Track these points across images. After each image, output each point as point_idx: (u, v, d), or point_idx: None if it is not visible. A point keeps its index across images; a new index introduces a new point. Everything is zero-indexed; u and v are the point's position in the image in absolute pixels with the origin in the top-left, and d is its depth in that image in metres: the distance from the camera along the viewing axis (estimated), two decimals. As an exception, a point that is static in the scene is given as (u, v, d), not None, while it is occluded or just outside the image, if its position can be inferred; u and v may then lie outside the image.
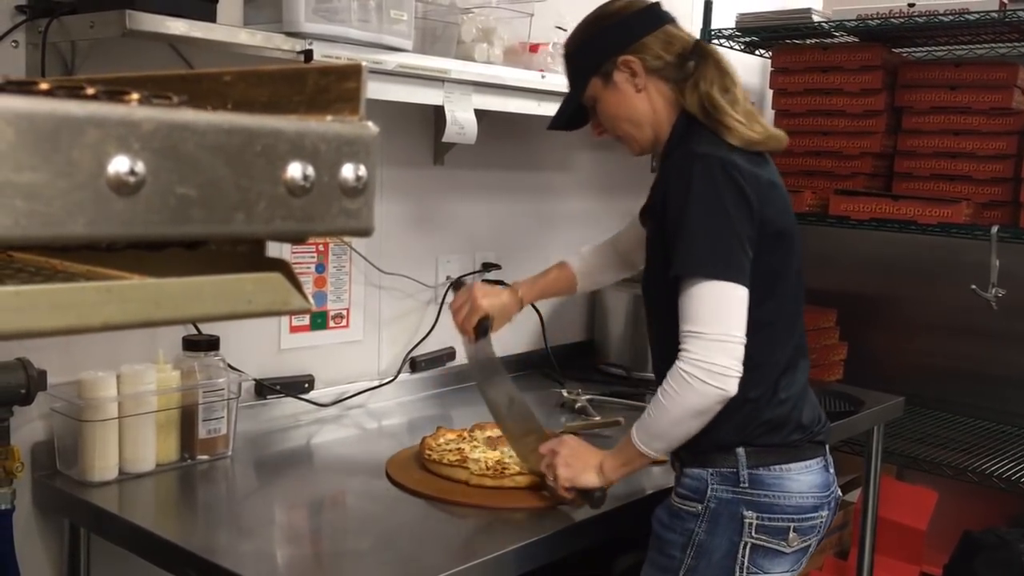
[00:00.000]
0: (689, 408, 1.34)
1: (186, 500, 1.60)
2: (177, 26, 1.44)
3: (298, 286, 0.39)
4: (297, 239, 0.38)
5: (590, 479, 1.45)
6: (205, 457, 1.68)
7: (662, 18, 1.51)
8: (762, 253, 1.39)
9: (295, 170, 0.36)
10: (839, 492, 1.55)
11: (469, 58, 1.98)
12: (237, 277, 0.36)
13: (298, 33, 1.59)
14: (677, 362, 1.34)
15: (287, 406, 1.95)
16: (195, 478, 1.64)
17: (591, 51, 1.53)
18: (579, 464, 1.46)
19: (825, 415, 1.55)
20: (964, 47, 2.63)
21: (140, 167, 0.31)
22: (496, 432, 1.80)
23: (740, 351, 1.33)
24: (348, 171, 0.37)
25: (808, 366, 1.54)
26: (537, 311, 2.45)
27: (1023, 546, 2.30)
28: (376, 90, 1.75)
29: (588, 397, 2.15)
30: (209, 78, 0.44)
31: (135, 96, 0.44)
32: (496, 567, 1.35)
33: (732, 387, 1.32)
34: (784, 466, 1.43)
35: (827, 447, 1.51)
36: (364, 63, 0.40)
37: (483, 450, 1.72)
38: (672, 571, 1.44)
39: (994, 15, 2.26)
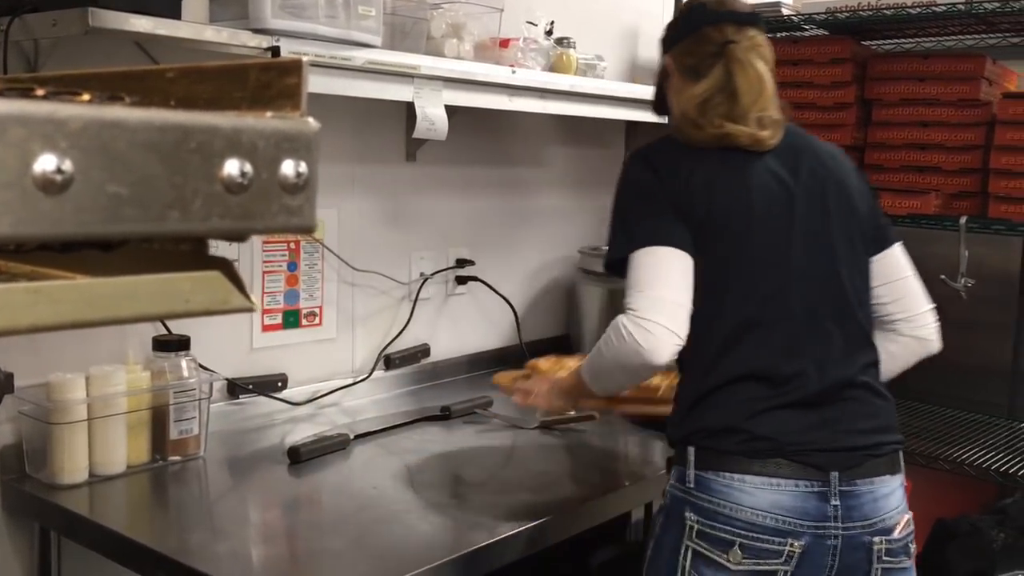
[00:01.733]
0: (613, 359, 1.40)
1: (158, 502, 1.59)
2: (141, 23, 1.43)
3: (239, 285, 0.38)
4: (237, 237, 0.38)
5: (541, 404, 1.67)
6: (177, 458, 1.67)
7: (701, 20, 1.51)
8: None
9: (232, 167, 0.35)
10: (871, 536, 1.35)
11: (439, 54, 1.97)
12: (174, 276, 0.36)
13: (264, 30, 1.58)
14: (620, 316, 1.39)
15: (260, 405, 1.94)
16: (167, 479, 1.63)
17: (660, 46, 1.60)
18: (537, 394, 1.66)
19: (856, 445, 1.37)
20: (932, 39, 2.65)
21: (68, 165, 0.30)
22: None
23: (678, 311, 1.35)
24: (288, 168, 0.37)
25: (806, 381, 1.38)
26: (511, 306, 2.45)
27: (995, 532, 2.33)
28: (345, 87, 1.75)
29: (563, 392, 2.15)
30: (152, 75, 0.44)
31: (86, 97, 0.43)
32: (471, 562, 1.36)
33: (659, 349, 1.34)
34: (738, 475, 1.33)
35: (835, 476, 1.34)
36: (304, 58, 0.40)
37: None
38: (645, 556, 1.45)
39: (961, 7, 2.27)
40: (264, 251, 1.96)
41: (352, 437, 1.81)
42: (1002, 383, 2.81)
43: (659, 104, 1.61)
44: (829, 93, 2.64)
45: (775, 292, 1.40)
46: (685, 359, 1.43)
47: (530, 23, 2.22)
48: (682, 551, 1.36)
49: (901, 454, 1.46)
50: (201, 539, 1.41)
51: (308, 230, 0.38)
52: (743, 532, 1.32)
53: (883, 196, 2.44)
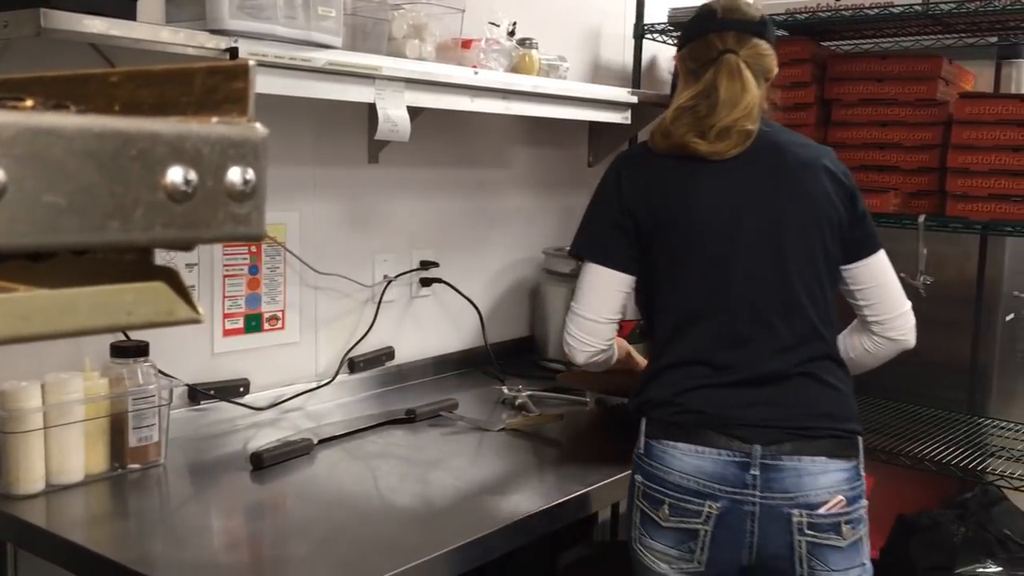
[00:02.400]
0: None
1: (117, 511, 1.56)
2: (95, 25, 1.40)
3: (185, 295, 0.37)
4: (182, 246, 0.37)
5: None
6: (136, 466, 1.64)
7: (707, 26, 1.59)
8: (646, 244, 1.57)
9: (175, 175, 0.34)
10: (791, 508, 1.44)
11: (400, 55, 1.96)
12: (116, 288, 0.35)
13: (222, 31, 1.56)
14: None
15: (222, 411, 1.92)
16: (126, 488, 1.60)
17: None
18: None
19: (784, 425, 1.47)
20: (890, 40, 2.68)
21: (0, 175, 0.29)
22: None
23: (596, 327, 1.59)
24: (235, 175, 0.36)
25: (740, 368, 1.51)
26: (476, 308, 2.45)
27: (955, 527, 2.36)
28: (305, 88, 1.73)
29: (528, 393, 2.15)
30: (96, 79, 0.42)
31: (29, 103, 0.42)
32: (438, 566, 1.35)
33: (575, 356, 1.63)
34: (671, 443, 1.49)
35: (757, 449, 1.45)
36: (251, 62, 0.39)
37: None
38: None
39: (917, 8, 2.31)
40: (224, 255, 1.93)
41: (316, 442, 1.79)
42: (961, 379, 2.85)
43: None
44: (789, 93, 2.67)
45: (718, 289, 1.54)
46: (652, 342, 1.64)
47: (492, 24, 2.21)
48: (634, 509, 1.53)
49: (858, 442, 1.53)
50: (162, 548, 1.39)
51: (256, 238, 0.37)
52: (671, 493, 1.47)
53: (843, 195, 2.47)
